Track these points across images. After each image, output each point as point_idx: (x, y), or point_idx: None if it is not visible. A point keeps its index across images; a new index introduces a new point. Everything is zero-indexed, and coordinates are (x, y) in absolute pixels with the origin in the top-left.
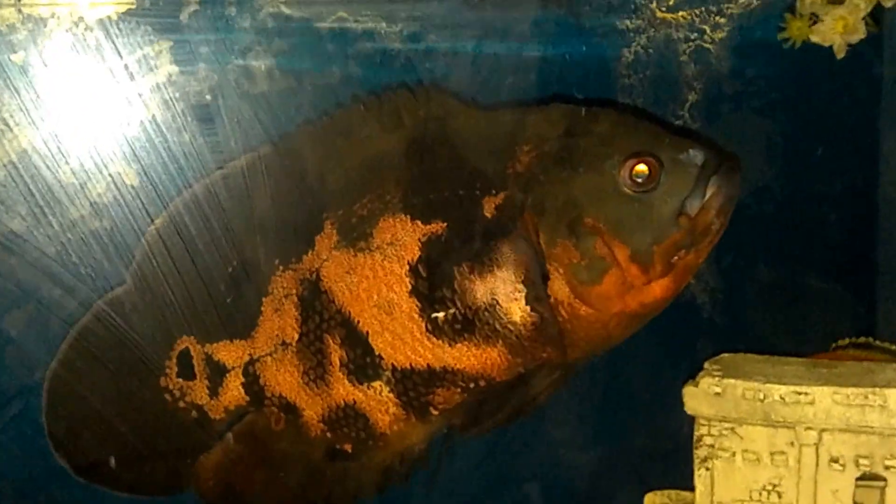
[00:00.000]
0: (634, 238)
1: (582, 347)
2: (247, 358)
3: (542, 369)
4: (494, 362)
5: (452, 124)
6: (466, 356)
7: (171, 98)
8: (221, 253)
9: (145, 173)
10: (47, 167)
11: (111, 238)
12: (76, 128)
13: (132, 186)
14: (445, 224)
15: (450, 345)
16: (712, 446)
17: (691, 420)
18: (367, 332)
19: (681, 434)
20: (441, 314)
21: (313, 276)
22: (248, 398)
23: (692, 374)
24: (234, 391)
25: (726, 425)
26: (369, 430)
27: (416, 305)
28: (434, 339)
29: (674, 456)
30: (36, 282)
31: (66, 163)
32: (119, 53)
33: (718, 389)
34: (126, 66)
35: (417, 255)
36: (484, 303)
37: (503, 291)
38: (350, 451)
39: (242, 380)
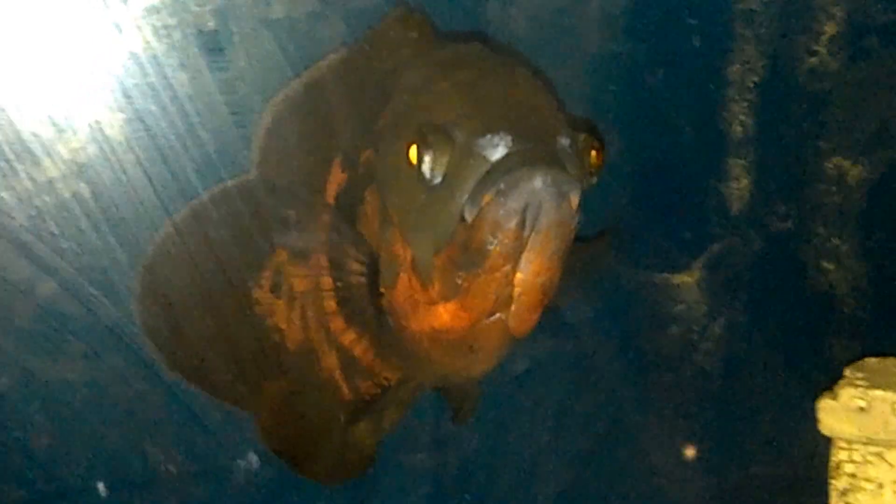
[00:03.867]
0: (415, 241)
1: (422, 369)
2: (309, 286)
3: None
4: (376, 362)
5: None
6: (358, 346)
7: (167, 24)
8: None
9: (140, 120)
10: (17, 113)
11: (97, 202)
12: (52, 64)
13: (122, 137)
14: (346, 176)
15: (346, 326)
16: (854, 475)
17: (827, 442)
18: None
19: (814, 460)
20: (340, 285)
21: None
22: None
23: (828, 383)
24: (298, 322)
25: (872, 449)
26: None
27: (330, 271)
28: (341, 317)
29: (804, 487)
30: (1, 257)
31: (41, 108)
32: None
33: (862, 403)
34: None
35: (332, 210)
36: (358, 285)
37: (371, 279)
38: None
39: (304, 311)
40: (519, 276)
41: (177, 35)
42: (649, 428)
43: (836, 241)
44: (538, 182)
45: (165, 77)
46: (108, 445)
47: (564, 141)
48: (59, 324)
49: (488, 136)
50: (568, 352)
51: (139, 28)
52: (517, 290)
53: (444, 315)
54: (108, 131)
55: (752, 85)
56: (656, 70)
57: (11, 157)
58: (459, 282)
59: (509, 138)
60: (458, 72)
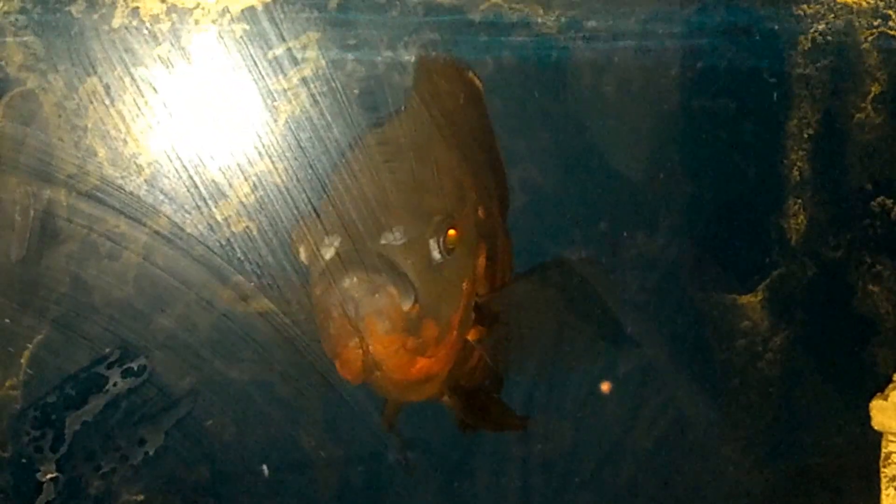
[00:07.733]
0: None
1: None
2: None
3: None
4: None
5: None
6: None
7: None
8: None
9: (311, 167)
10: (210, 161)
11: (276, 232)
12: (234, 123)
13: (292, 179)
14: None
15: None
16: None
17: (878, 436)
18: None
19: (866, 453)
20: None
21: None
22: None
23: (874, 388)
24: None
25: None
26: None
27: None
28: None
29: (857, 476)
30: (196, 276)
31: (228, 157)
32: (265, 45)
33: None
34: (275, 58)
35: None
36: None
37: None
38: None
39: None
40: (370, 347)
41: (330, 100)
42: (718, 426)
43: (879, 267)
44: (346, 283)
45: (325, 132)
46: (276, 434)
47: (395, 235)
48: (240, 332)
49: (324, 237)
50: (648, 360)
51: (299, 93)
52: (377, 358)
53: (337, 366)
54: (281, 174)
55: (807, 136)
56: (729, 125)
57: (206, 194)
58: (329, 347)
59: (337, 241)
60: (349, 162)
